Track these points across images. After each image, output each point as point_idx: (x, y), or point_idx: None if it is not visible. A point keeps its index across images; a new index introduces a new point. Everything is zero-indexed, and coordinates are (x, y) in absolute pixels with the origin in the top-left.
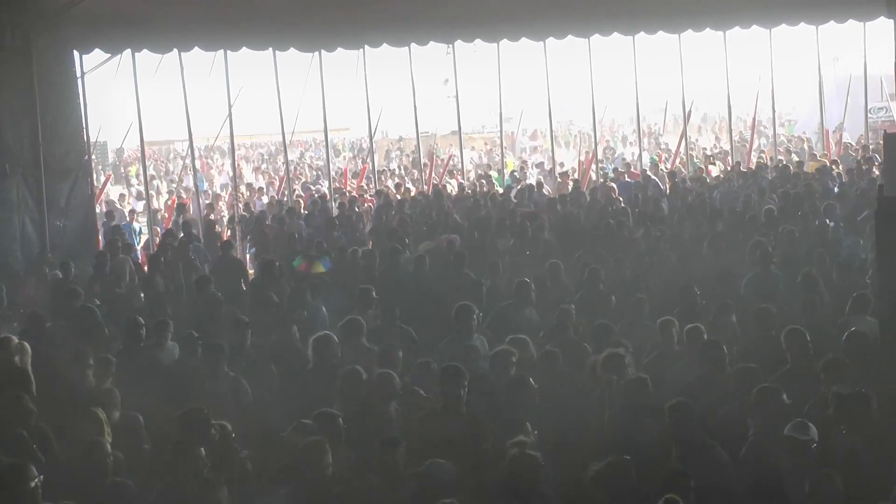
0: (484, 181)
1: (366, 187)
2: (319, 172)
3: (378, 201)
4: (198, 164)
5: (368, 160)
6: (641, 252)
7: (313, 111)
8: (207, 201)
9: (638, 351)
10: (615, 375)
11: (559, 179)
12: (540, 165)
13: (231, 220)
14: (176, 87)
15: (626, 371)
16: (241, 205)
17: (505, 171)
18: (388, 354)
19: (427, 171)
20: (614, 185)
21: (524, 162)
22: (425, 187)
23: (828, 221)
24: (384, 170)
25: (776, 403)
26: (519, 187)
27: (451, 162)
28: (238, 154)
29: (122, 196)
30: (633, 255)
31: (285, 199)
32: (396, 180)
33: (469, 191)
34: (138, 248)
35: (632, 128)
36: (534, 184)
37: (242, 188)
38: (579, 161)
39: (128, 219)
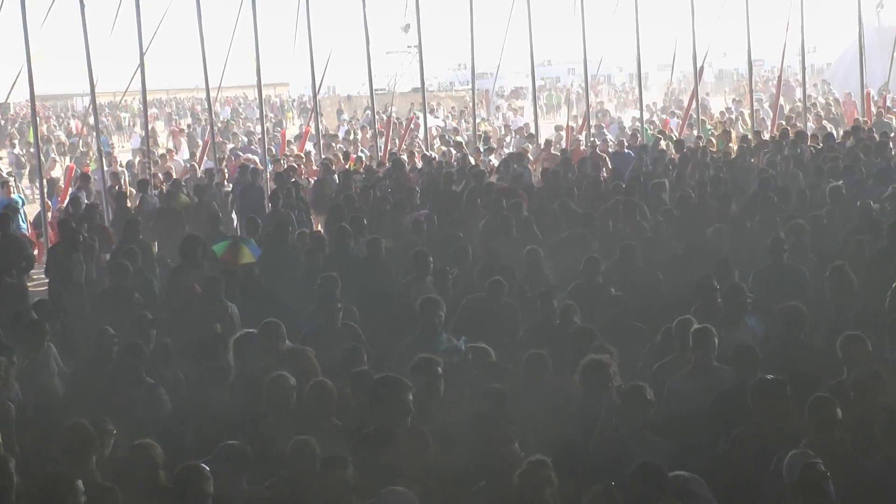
0: (454, 150)
1: (309, 155)
2: (251, 138)
3: (321, 173)
4: (103, 122)
5: (311, 122)
6: (650, 239)
7: (244, 61)
8: (113, 169)
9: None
10: (598, 385)
11: (542, 148)
12: (520, 130)
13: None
14: (75, 30)
15: (611, 381)
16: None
17: (478, 138)
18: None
19: (384, 138)
20: (605, 156)
21: (505, 126)
22: (381, 156)
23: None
24: (332, 134)
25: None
26: (497, 158)
27: (412, 126)
28: (151, 113)
29: None
30: (638, 242)
31: (208, 168)
32: (345, 147)
33: (437, 161)
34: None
35: (631, 87)
36: (513, 153)
37: (158, 154)
38: (567, 126)
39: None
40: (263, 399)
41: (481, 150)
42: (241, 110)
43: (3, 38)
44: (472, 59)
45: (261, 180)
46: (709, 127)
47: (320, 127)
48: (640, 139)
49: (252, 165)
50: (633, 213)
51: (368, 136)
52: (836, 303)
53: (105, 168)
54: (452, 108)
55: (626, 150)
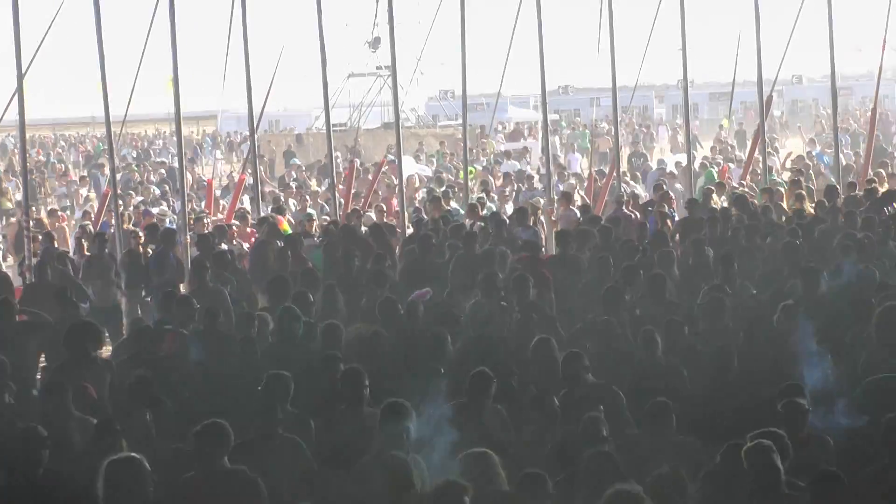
0: (429, 205)
1: (244, 213)
2: (167, 186)
3: (264, 235)
4: None
5: (249, 168)
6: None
7: (157, 86)
8: None
9: None
10: None
11: (558, 202)
12: (525, 178)
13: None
14: None
15: None
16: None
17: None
18: None
19: (344, 187)
20: (637, 214)
21: (485, 181)
22: (340, 214)
23: None
24: (278, 188)
25: None
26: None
27: (383, 172)
28: (32, 154)
29: None
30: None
31: (111, 226)
32: (295, 201)
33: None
34: None
35: (671, 121)
36: (519, 210)
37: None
38: (590, 174)
39: None
40: None
41: (478, 203)
42: (153, 152)
43: None
44: (464, 84)
45: (178, 245)
46: (773, 176)
47: (259, 173)
48: (671, 197)
49: (168, 224)
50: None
51: (324, 186)
52: None
53: None
54: (440, 149)
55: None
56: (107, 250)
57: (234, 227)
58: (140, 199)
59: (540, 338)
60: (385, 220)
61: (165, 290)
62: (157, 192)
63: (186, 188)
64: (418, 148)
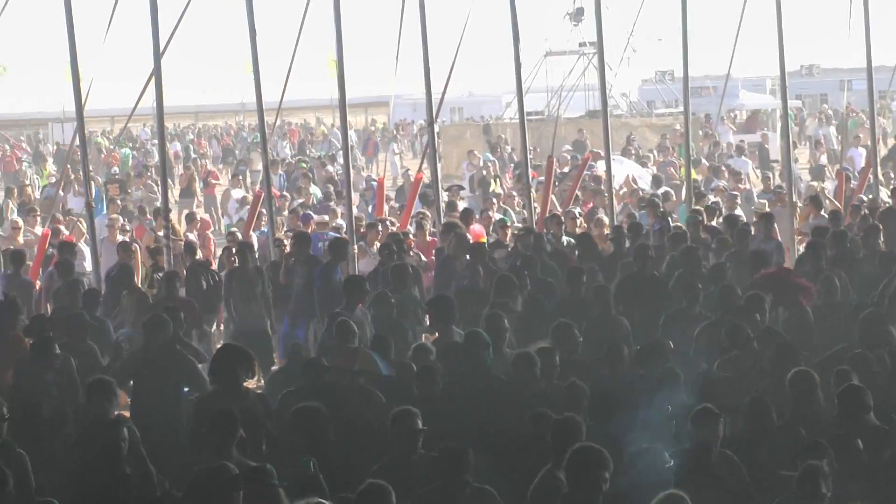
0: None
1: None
2: (331, 187)
3: (447, 247)
4: None
5: (426, 162)
6: None
7: (317, 66)
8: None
9: None
10: None
11: (800, 210)
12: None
13: None
14: None
15: None
16: None
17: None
18: None
19: (543, 191)
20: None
21: (732, 173)
22: (536, 219)
23: None
24: (456, 184)
25: None
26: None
27: (587, 172)
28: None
29: None
30: None
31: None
32: (475, 204)
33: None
34: None
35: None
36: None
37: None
38: (839, 173)
39: None
40: None
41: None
42: (332, 143)
43: None
44: (685, 64)
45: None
46: None
47: (439, 168)
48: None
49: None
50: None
51: (510, 185)
52: None
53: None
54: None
55: None
56: (253, 263)
57: (410, 237)
58: (300, 201)
59: (799, 370)
60: (579, 228)
61: (333, 312)
62: (320, 193)
63: (353, 191)
64: (627, 140)
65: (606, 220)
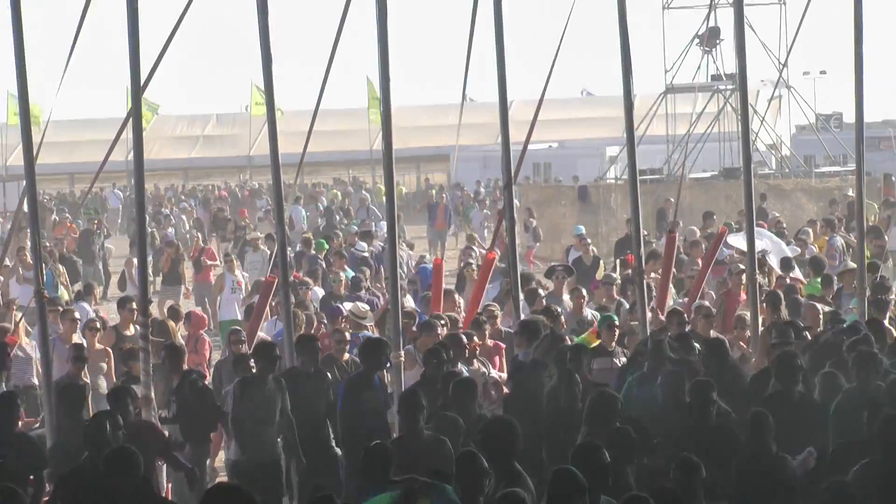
0: None
1: None
2: (366, 271)
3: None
4: None
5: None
6: None
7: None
8: None
9: None
10: None
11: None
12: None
13: None
14: None
15: None
16: None
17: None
18: None
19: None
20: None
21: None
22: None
23: None
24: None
25: None
26: None
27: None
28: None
29: None
30: None
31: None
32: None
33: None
34: None
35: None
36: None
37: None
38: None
39: None
40: None
41: None
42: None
43: None
44: (859, 104)
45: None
46: None
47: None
48: None
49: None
50: None
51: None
52: None
53: None
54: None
55: None
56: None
57: (475, 339)
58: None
59: None
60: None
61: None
62: (347, 277)
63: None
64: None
65: (748, 318)
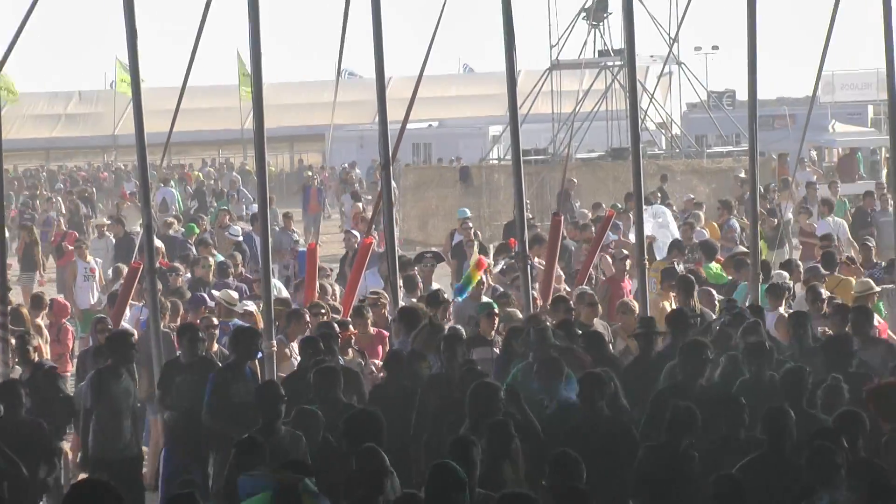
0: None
1: None
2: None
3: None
4: None
5: (381, 219)
6: None
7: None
8: None
9: None
10: None
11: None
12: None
13: None
14: None
15: None
16: None
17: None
18: None
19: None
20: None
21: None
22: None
23: None
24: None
25: None
26: None
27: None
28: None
29: None
30: None
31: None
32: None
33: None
34: None
35: None
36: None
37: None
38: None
39: None
40: None
41: None
42: (244, 193)
43: None
44: (752, 82)
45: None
46: None
47: (396, 232)
48: None
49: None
50: None
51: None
52: None
53: None
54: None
55: None
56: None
57: (350, 328)
58: (187, 276)
59: None
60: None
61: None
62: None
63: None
64: (661, 188)
65: (636, 306)
